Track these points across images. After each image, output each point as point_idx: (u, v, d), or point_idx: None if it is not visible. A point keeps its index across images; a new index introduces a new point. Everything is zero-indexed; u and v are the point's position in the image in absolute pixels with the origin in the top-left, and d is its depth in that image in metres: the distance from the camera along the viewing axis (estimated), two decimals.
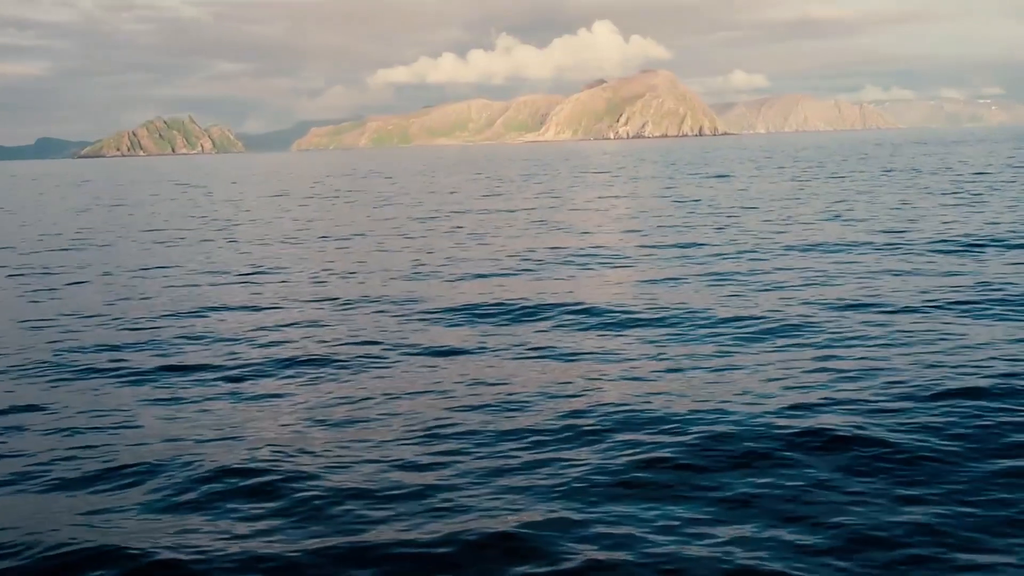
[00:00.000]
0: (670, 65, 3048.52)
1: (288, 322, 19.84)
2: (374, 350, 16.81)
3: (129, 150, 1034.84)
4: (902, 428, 11.67)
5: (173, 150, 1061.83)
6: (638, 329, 17.88)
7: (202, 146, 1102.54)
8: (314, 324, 19.55)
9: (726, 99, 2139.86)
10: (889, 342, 15.89)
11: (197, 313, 21.18)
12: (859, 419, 11.96)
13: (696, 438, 11.53)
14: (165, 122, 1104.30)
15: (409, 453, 11.52)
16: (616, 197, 57.50)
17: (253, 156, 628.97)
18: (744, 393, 13.23)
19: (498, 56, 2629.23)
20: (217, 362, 16.30)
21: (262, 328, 19.23)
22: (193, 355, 16.94)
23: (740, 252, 28.47)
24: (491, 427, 12.35)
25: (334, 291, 23.75)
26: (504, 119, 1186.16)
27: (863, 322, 17.60)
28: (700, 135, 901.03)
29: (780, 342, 16.27)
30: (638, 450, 11.27)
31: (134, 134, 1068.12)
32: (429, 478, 10.72)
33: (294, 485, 10.61)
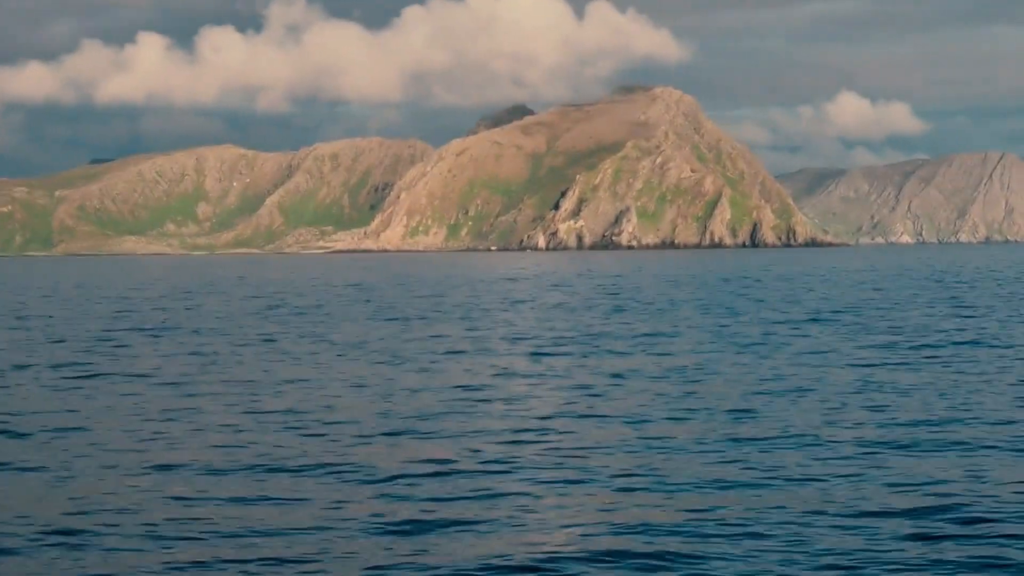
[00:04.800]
0: (684, 75, 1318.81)
1: None
2: None
3: None
4: None
5: None
6: None
7: None
8: None
9: (820, 159, 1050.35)
10: None
11: None
12: None
13: None
14: None
15: None
16: None
17: None
18: None
19: (269, 43, 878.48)
20: None
21: None
22: None
23: None
24: None
25: None
26: (284, 195, 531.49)
27: None
28: (753, 244, 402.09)
29: None
30: None
31: None
32: None
33: None
